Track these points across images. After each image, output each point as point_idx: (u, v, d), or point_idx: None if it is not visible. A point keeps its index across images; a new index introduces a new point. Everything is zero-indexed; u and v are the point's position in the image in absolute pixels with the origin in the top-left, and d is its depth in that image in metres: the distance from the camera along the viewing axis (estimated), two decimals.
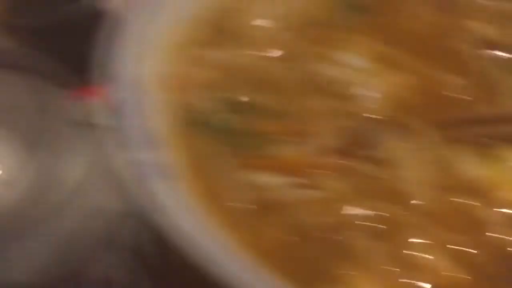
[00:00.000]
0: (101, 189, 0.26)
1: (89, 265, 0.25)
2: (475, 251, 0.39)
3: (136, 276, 0.29)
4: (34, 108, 0.26)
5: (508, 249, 0.39)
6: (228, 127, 0.44)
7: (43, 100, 0.26)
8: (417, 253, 0.38)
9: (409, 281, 0.37)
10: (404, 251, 0.38)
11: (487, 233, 0.40)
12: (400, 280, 0.37)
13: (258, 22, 0.52)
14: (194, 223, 0.34)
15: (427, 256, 0.38)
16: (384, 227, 0.40)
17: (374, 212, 0.40)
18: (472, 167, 0.43)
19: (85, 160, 0.24)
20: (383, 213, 0.40)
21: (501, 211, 0.41)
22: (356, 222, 0.40)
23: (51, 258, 0.23)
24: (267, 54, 0.50)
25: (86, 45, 0.51)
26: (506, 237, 0.39)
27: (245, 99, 0.46)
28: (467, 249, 0.38)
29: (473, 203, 0.41)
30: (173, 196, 0.35)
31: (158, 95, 0.43)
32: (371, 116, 0.45)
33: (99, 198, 0.25)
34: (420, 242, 0.38)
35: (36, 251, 0.23)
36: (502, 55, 0.51)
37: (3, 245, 0.22)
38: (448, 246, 0.39)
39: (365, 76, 0.48)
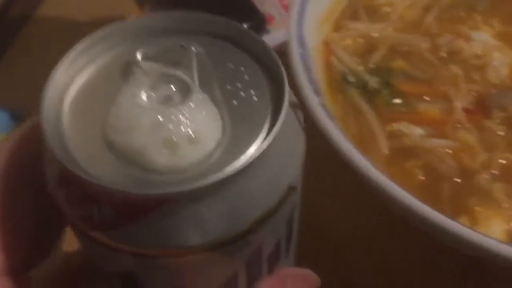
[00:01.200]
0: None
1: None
2: None
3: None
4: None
5: None
6: (371, 87, 0.53)
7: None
8: None
9: None
10: None
11: None
12: None
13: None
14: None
15: None
16: (506, 172, 0.47)
17: (497, 160, 0.48)
18: None
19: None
20: (506, 162, 0.48)
21: None
22: (480, 168, 0.47)
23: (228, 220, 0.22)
24: (402, 26, 0.58)
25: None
26: None
27: (383, 63, 0.55)
28: None
29: None
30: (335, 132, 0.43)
31: (318, 56, 0.53)
32: (498, 83, 0.53)
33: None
34: None
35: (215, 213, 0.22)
36: None
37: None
38: None
39: (491, 50, 0.55)
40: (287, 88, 0.24)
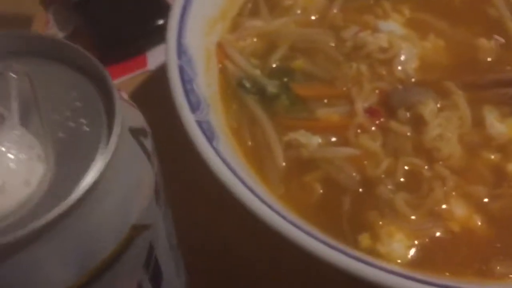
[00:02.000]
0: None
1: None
2: (494, 202, 0.42)
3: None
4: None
5: None
6: (270, 92, 0.48)
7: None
8: (439, 203, 0.42)
9: (429, 228, 0.41)
10: (425, 201, 0.42)
11: (508, 186, 0.43)
12: (422, 227, 0.41)
13: None
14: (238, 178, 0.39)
15: (446, 206, 0.42)
16: (411, 180, 0.44)
17: (402, 167, 0.44)
18: (498, 125, 0.46)
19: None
20: (411, 167, 0.44)
21: None
22: (384, 176, 0.44)
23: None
24: (305, 19, 0.54)
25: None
26: None
27: (283, 64, 0.50)
28: (486, 199, 0.42)
29: (494, 157, 0.44)
30: (222, 153, 0.39)
31: (208, 62, 0.48)
32: (404, 78, 0.49)
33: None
34: (443, 193, 0.42)
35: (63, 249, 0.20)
36: None
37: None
38: (468, 196, 0.42)
39: (399, 42, 0.51)
40: (118, 111, 0.21)
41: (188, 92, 0.42)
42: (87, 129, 0.22)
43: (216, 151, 0.38)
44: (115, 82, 0.36)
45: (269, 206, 0.37)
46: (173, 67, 0.43)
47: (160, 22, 0.59)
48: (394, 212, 0.42)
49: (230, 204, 0.37)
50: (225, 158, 0.39)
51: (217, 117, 0.44)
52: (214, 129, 0.41)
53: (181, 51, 0.44)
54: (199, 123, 0.40)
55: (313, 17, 0.54)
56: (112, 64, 0.57)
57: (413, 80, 0.49)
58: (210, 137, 0.40)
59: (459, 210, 0.42)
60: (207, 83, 0.46)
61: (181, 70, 0.43)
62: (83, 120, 0.22)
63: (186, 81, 0.42)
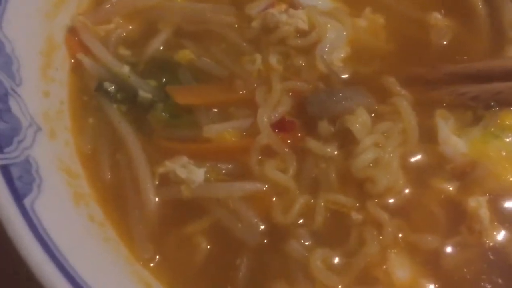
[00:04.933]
0: None
1: None
2: (449, 258, 0.30)
3: None
4: None
5: None
6: (143, 99, 0.34)
7: None
8: (373, 262, 0.30)
9: None
10: (355, 260, 0.30)
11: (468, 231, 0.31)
12: None
13: None
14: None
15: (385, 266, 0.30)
16: (335, 228, 0.31)
17: (323, 208, 0.31)
18: (454, 139, 0.34)
19: None
20: (334, 208, 0.32)
21: None
22: (298, 222, 0.31)
23: None
24: None
25: None
26: None
27: (163, 55, 0.36)
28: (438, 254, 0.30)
29: (450, 187, 0.32)
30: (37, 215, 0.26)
31: (48, 59, 0.34)
32: (328, 73, 0.35)
33: None
34: (378, 246, 0.30)
35: None
36: None
37: None
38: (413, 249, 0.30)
39: (323, 21, 0.37)
40: None
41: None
42: None
43: (24, 215, 0.25)
44: None
45: None
46: None
47: None
48: (310, 279, 0.29)
49: None
50: (41, 223, 0.25)
51: (54, 145, 0.30)
52: (37, 171, 0.28)
53: None
54: (6, 169, 0.26)
55: None
56: None
57: (342, 77, 0.36)
58: (21, 191, 0.26)
59: (401, 272, 0.30)
60: (42, 91, 0.32)
61: None
62: None
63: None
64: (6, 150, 0.27)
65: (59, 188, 0.29)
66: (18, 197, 0.26)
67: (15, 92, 0.29)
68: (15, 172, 0.26)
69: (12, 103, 0.29)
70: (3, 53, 0.30)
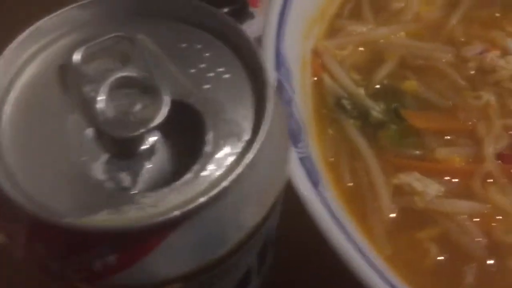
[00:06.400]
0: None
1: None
2: None
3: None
4: None
5: None
6: (375, 118, 0.39)
7: None
8: None
9: None
10: None
11: None
12: None
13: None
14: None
15: None
16: None
17: None
18: None
19: None
20: None
21: None
22: None
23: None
24: (417, 30, 0.45)
25: None
26: None
27: (390, 84, 0.41)
28: None
29: None
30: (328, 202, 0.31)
31: (303, 74, 0.39)
32: None
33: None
34: None
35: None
36: None
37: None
38: None
39: None
40: (270, 89, 0.21)
41: (290, 117, 0.33)
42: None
43: (323, 203, 0.30)
44: None
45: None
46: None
47: (228, 8, 0.51)
48: None
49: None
50: (334, 211, 0.30)
51: (314, 147, 0.36)
52: (315, 166, 0.33)
53: (279, 61, 0.35)
54: (302, 161, 0.31)
55: (427, 28, 0.45)
56: None
57: None
58: (315, 181, 0.31)
59: None
60: (303, 101, 0.37)
61: (280, 88, 0.34)
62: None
63: (286, 103, 0.34)
64: (298, 145, 0.32)
65: (324, 181, 0.33)
66: (315, 186, 0.30)
67: (293, 100, 0.35)
68: (307, 164, 0.31)
69: (293, 109, 0.34)
70: (285, 65, 0.35)
